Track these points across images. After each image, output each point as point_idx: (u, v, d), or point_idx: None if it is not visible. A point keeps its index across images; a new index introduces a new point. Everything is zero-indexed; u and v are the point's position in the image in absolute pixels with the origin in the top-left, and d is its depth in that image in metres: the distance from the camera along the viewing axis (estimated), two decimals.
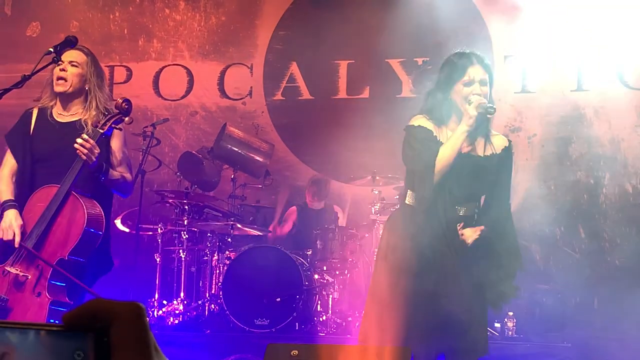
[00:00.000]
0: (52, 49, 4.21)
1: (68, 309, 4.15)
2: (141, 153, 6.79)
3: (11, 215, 4.20)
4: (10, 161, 4.41)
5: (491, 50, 7.81)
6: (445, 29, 7.63)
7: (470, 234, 3.68)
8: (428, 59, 7.88)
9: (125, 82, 8.59)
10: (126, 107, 4.21)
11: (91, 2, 8.61)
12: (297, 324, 6.46)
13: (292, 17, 8.30)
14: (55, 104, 4.41)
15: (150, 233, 7.17)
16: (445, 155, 3.61)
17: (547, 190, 7.59)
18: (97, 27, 8.56)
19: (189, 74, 8.50)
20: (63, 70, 4.32)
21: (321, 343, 5.77)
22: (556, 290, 7.10)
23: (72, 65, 4.34)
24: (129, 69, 8.59)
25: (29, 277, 4.08)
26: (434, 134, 3.72)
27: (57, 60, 4.22)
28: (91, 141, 4.07)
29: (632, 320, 6.66)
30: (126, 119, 4.27)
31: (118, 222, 7.10)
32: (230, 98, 8.44)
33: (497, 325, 6.63)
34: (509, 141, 3.91)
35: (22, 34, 8.62)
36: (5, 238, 4.16)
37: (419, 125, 3.73)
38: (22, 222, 4.18)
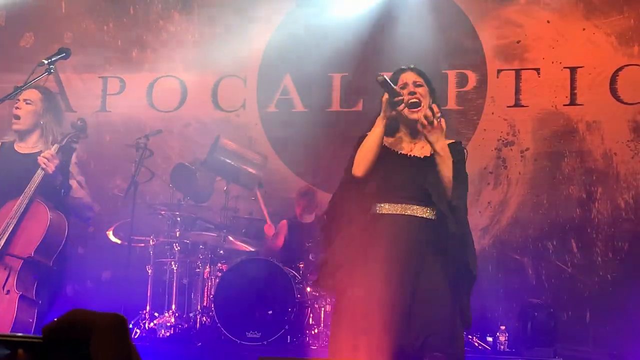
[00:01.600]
0: (45, 60, 4.23)
1: (35, 306, 4.34)
2: (134, 164, 6.78)
3: None
4: None
5: (484, 64, 7.83)
6: (439, 42, 7.66)
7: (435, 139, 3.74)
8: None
9: (118, 93, 8.58)
10: (81, 124, 4.59)
11: (85, 13, 8.61)
12: (289, 336, 6.43)
13: (286, 30, 8.30)
14: (15, 139, 4.77)
15: (142, 245, 7.14)
16: (364, 144, 3.84)
17: (540, 204, 7.59)
18: (91, 38, 8.55)
19: (183, 85, 8.50)
20: (18, 108, 4.68)
21: (313, 356, 5.76)
22: (548, 304, 7.10)
23: (27, 103, 4.67)
24: (122, 80, 8.58)
25: None
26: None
27: (50, 71, 4.24)
28: (50, 152, 4.45)
29: (624, 335, 6.66)
30: (82, 135, 4.64)
31: (110, 234, 7.08)
32: (223, 110, 8.43)
33: (489, 339, 6.63)
34: (459, 142, 3.97)
35: (15, 45, 8.62)
36: None
37: (362, 135, 3.96)
38: None
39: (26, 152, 4.72)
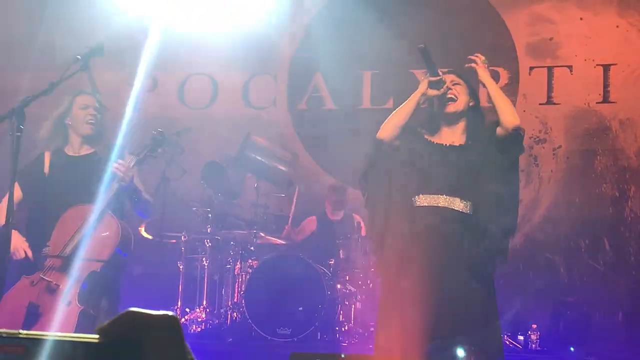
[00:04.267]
0: (79, 57, 4.24)
1: (92, 319, 4.21)
2: (165, 161, 6.82)
3: (15, 236, 4.34)
4: (17, 193, 4.40)
5: (516, 61, 7.78)
6: (471, 40, 7.62)
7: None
8: (452, 69, 7.84)
9: (150, 90, 8.62)
10: (160, 138, 4.55)
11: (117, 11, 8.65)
12: (319, 333, 6.45)
13: (317, 27, 8.31)
14: (68, 144, 4.69)
15: (174, 241, 7.19)
16: (394, 112, 3.95)
17: (572, 202, 7.53)
18: (124, 35, 8.58)
19: (214, 83, 8.53)
20: (91, 114, 4.69)
21: (343, 352, 5.75)
22: (580, 303, 7.04)
23: (94, 109, 4.70)
24: (154, 78, 8.63)
25: (60, 286, 4.26)
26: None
27: (84, 69, 4.26)
28: (127, 164, 4.40)
29: None
30: (159, 149, 4.61)
31: (142, 230, 7.13)
32: (254, 107, 8.46)
33: (521, 338, 6.58)
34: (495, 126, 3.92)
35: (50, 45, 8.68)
36: (16, 258, 4.40)
37: None
38: (24, 239, 4.46)
39: (80, 154, 4.67)
